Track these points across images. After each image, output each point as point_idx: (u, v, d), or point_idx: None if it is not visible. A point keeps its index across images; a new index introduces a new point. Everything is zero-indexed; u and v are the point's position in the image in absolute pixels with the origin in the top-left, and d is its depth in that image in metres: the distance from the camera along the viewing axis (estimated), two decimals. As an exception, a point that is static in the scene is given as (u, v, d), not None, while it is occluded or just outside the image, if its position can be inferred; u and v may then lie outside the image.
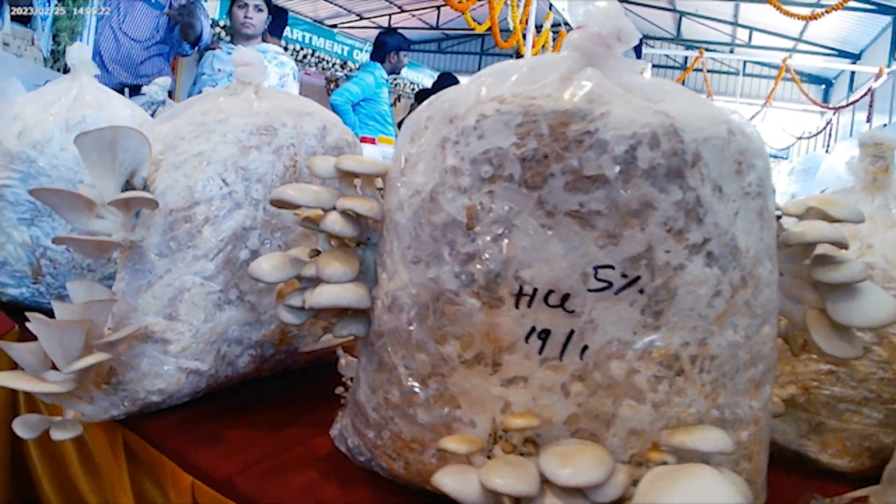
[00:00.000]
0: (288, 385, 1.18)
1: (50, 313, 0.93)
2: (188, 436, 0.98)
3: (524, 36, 7.89)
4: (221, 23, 9.34)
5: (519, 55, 8.00)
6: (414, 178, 0.76)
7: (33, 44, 2.86)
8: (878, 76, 11.26)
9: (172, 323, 0.98)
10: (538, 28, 8.40)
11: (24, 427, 0.92)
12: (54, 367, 0.92)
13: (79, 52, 1.41)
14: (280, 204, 0.85)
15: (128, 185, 0.98)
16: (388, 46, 5.04)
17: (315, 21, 13.57)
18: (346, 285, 0.79)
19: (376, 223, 0.84)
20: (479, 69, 0.81)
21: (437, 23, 17.22)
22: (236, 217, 1.00)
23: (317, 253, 0.87)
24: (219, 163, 1.00)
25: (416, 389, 0.76)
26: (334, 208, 0.81)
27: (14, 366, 1.20)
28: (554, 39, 9.20)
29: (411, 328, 0.75)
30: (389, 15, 16.86)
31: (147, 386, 0.98)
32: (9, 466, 1.24)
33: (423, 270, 0.74)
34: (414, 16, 17.11)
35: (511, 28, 8.06)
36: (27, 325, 0.93)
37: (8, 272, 1.36)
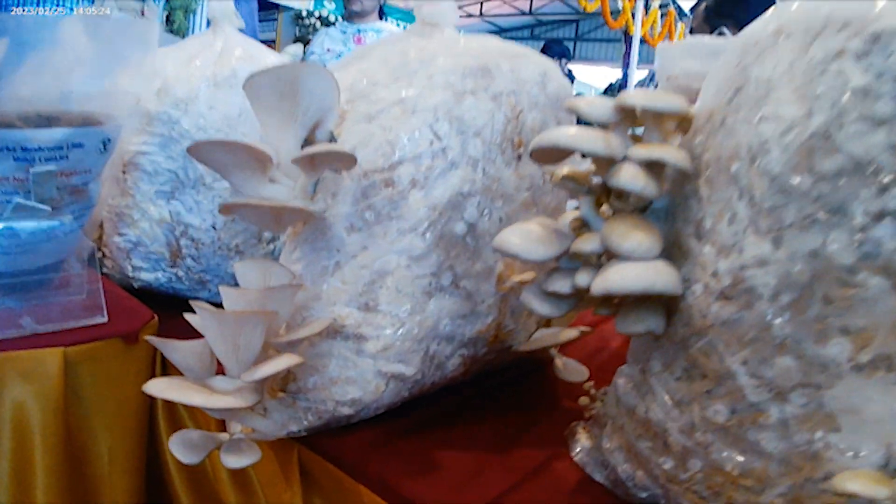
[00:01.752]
0: (487, 390, 0.94)
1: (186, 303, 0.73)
2: (390, 458, 0.76)
3: (633, 15, 7.67)
4: (316, 13, 9.34)
5: (628, 35, 7.80)
6: (779, 110, 0.51)
7: (143, 15, 2.71)
8: None
9: (369, 315, 0.76)
10: (646, 7, 8.14)
11: (184, 448, 0.72)
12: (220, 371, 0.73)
13: (220, 5, 1.22)
14: (545, 154, 0.62)
15: (306, 142, 0.77)
16: (552, 52, 5.72)
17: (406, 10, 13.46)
18: (654, 263, 0.55)
19: (662, 182, 0.61)
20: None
21: (531, 8, 16.86)
22: (451, 180, 0.76)
23: (581, 222, 0.64)
24: (427, 111, 0.77)
25: (769, 406, 0.53)
26: (625, 159, 0.58)
27: (149, 361, 1.02)
28: (662, 18, 8.87)
29: (776, 321, 0.51)
30: (481, 2, 16.59)
31: (336, 395, 0.77)
32: (144, 474, 1.05)
33: (800, 240, 0.50)
34: (505, 2, 16.80)
35: (620, 8, 7.82)
36: (188, 317, 0.73)
37: (141, 254, 1.17)
